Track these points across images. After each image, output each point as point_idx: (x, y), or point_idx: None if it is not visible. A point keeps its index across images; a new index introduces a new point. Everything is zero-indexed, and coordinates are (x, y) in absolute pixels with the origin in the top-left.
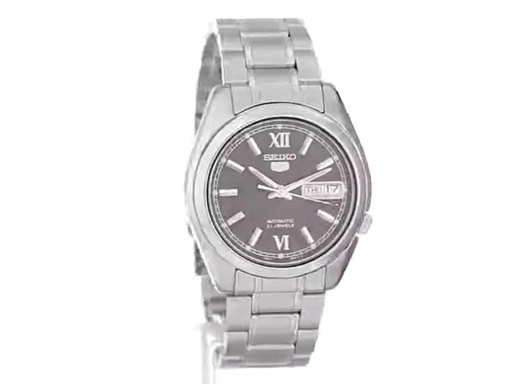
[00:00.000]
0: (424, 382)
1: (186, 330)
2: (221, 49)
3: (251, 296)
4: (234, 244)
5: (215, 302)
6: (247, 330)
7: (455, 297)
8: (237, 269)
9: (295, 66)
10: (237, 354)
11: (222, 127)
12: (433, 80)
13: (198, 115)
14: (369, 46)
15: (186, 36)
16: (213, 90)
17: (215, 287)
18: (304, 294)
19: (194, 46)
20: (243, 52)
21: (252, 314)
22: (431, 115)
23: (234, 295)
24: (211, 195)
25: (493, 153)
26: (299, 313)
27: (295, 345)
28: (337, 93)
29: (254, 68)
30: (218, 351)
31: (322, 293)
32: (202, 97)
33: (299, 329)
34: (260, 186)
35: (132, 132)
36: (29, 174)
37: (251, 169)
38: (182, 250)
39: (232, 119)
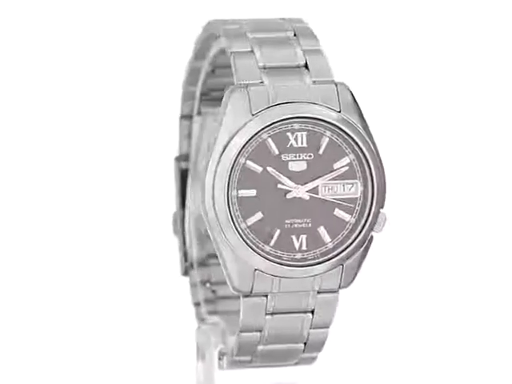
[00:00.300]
0: (426, 382)
1: (176, 332)
2: (230, 49)
3: (266, 296)
4: (253, 244)
5: (209, 303)
6: (260, 331)
7: (458, 297)
8: (256, 269)
9: (306, 66)
10: (247, 355)
11: (241, 128)
12: (434, 78)
13: (185, 117)
14: (364, 45)
15: (166, 37)
16: (228, 90)
17: (230, 288)
18: (318, 293)
19: (175, 46)
20: (252, 52)
21: (266, 313)
22: (432, 115)
23: (249, 295)
24: (231, 195)
25: (501, 154)
26: (312, 312)
27: (305, 344)
28: (351, 92)
29: (265, 68)
30: (223, 353)
31: (336, 292)
32: (189, 98)
33: (311, 328)
34: (279, 186)
35: (113, 135)
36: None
37: (269, 169)
38: (165, 251)
39: (250, 120)
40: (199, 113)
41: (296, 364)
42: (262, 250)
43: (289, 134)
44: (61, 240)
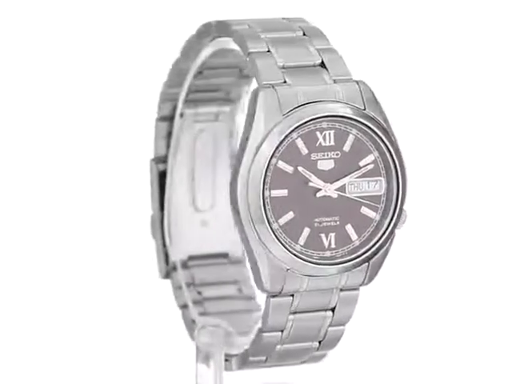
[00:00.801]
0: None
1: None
2: (248, 50)
3: (292, 295)
4: (286, 243)
5: (198, 305)
6: (282, 330)
7: (460, 296)
8: (288, 269)
9: (322, 65)
10: (264, 355)
11: (273, 128)
12: (432, 75)
13: (163, 118)
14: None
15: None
16: (254, 90)
17: (259, 288)
18: (341, 290)
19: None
20: (270, 52)
21: (290, 313)
22: (431, 113)
23: (276, 296)
24: (264, 196)
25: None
26: (333, 310)
27: (320, 342)
28: (371, 90)
29: (284, 68)
30: (231, 354)
31: (357, 289)
32: (170, 99)
33: (330, 326)
34: (309, 185)
35: (87, 138)
36: None
37: (300, 168)
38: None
39: (281, 120)
40: (182, 114)
41: (305, 362)
42: (294, 249)
43: (317, 133)
44: (34, 242)
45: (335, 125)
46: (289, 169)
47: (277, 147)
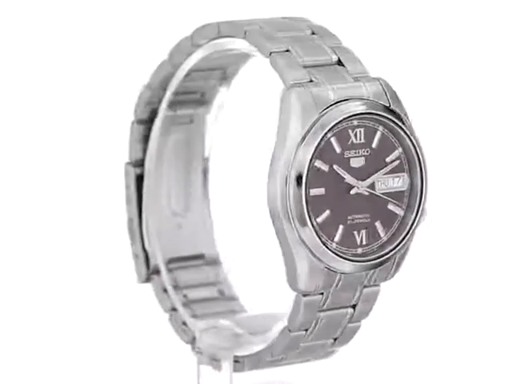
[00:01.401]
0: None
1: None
2: (270, 50)
3: (322, 293)
4: (324, 241)
5: (187, 307)
6: (307, 329)
7: (462, 296)
8: (325, 266)
9: (340, 63)
10: (285, 354)
11: (311, 128)
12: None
13: (141, 121)
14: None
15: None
16: (287, 90)
17: (293, 288)
18: (364, 287)
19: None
20: (289, 51)
21: (317, 311)
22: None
23: (308, 294)
24: (307, 195)
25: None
26: (354, 306)
27: (335, 339)
28: (392, 87)
29: (305, 66)
30: (243, 355)
31: (379, 285)
32: (149, 102)
33: (349, 322)
34: (344, 183)
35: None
36: None
37: (335, 167)
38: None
39: (318, 119)
40: (163, 117)
41: (315, 359)
42: (331, 247)
43: (349, 130)
44: (8, 246)
45: (365, 122)
46: (325, 167)
47: (316, 146)
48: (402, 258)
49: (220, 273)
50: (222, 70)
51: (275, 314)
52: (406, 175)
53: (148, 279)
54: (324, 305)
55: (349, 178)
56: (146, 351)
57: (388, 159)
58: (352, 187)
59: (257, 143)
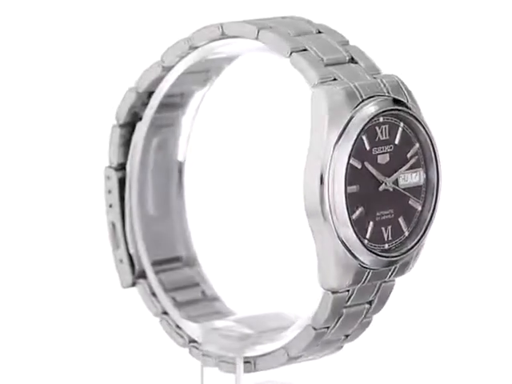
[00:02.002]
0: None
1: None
2: (290, 50)
3: (348, 290)
4: (360, 238)
5: (179, 309)
6: (328, 327)
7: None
8: (359, 264)
9: (353, 60)
10: (306, 351)
11: (347, 125)
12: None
13: (124, 125)
14: None
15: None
16: (316, 89)
17: (324, 285)
18: (383, 282)
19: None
20: (307, 50)
21: (343, 307)
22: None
23: (337, 292)
24: (346, 192)
25: None
26: (371, 302)
27: (348, 335)
28: (405, 83)
29: (327, 65)
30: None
31: (394, 280)
32: (134, 105)
33: (364, 317)
34: (374, 180)
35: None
36: None
37: (366, 164)
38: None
39: (353, 116)
40: (151, 120)
41: (326, 355)
42: (365, 244)
43: (376, 127)
44: None
45: (389, 119)
46: (358, 165)
47: (353, 145)
48: (419, 253)
49: (201, 273)
50: (206, 73)
51: (279, 313)
52: (422, 170)
53: (134, 284)
54: (348, 301)
55: (378, 175)
56: (137, 357)
57: (409, 155)
58: (380, 184)
59: (234, 144)
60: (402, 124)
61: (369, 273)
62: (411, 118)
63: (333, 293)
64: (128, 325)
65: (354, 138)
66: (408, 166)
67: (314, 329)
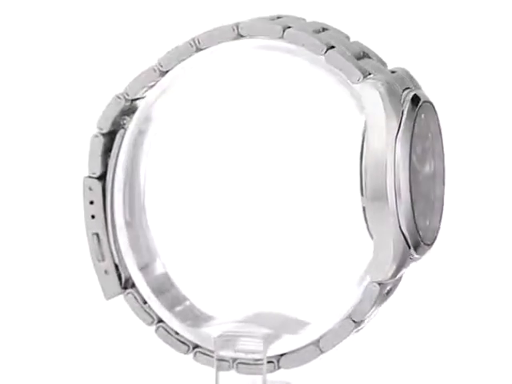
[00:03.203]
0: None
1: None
2: (324, 47)
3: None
4: (417, 228)
5: (177, 316)
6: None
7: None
8: (410, 255)
9: (367, 56)
10: (338, 344)
11: (402, 117)
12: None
13: (106, 134)
14: None
15: None
16: (365, 84)
17: (379, 276)
18: None
19: None
20: (334, 47)
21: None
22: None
23: (382, 283)
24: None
25: None
26: (388, 292)
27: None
28: None
29: (358, 59)
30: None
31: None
32: (119, 114)
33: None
34: (417, 168)
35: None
36: None
37: (412, 153)
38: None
39: (404, 108)
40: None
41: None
42: (420, 234)
43: (417, 118)
44: None
45: (420, 109)
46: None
47: (411, 136)
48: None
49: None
50: None
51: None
52: (433, 160)
53: (125, 287)
54: (382, 292)
55: (418, 165)
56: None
57: (428, 144)
58: (419, 172)
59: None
60: (422, 115)
61: (409, 263)
62: (429, 108)
63: (379, 284)
64: (120, 335)
65: (411, 130)
66: (429, 155)
67: (354, 321)
